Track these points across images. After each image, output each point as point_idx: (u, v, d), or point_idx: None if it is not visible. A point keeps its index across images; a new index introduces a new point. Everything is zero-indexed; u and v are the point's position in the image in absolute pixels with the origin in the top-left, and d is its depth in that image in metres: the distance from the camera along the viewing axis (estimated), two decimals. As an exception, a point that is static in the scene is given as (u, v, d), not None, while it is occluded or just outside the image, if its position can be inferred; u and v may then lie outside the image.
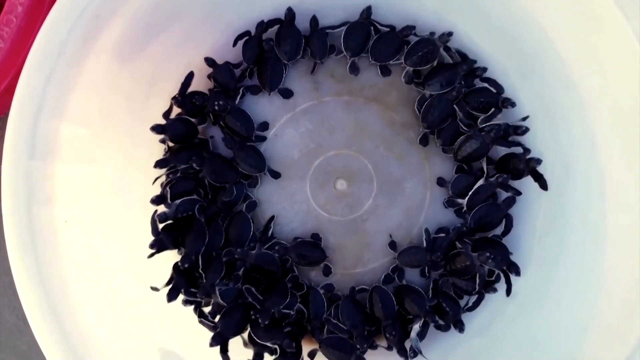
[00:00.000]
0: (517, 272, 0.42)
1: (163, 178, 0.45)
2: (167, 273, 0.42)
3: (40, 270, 0.39)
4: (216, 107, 0.44)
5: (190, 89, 0.45)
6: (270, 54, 0.46)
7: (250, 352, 0.41)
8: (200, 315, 0.42)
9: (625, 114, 0.40)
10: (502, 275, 0.43)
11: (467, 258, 0.42)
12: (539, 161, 0.43)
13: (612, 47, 0.40)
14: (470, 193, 0.44)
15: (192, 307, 0.42)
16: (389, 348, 0.43)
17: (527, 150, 0.43)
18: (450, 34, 0.44)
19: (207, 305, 0.43)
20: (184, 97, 0.44)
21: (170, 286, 0.41)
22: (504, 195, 0.45)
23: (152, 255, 0.41)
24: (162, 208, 0.43)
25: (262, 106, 0.47)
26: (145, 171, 0.44)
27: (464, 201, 0.45)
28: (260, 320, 0.40)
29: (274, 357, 0.41)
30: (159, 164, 0.43)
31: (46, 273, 0.40)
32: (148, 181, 0.45)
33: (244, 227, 0.44)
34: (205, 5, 0.44)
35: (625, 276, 0.40)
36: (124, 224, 0.44)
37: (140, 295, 0.43)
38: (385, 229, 0.47)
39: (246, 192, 0.46)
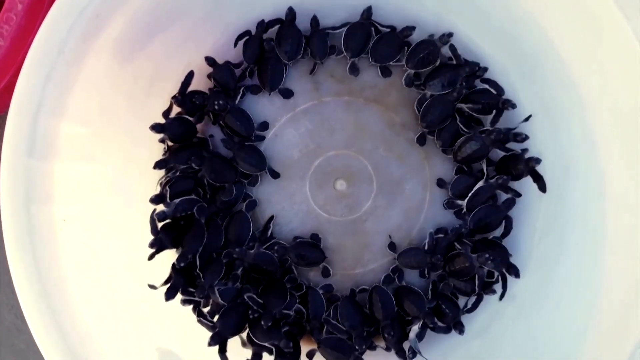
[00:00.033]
0: (517, 274, 0.42)
1: (163, 176, 0.45)
2: (166, 272, 0.42)
3: (39, 268, 0.39)
4: (216, 107, 0.44)
5: (190, 89, 0.45)
6: (270, 54, 0.46)
7: (249, 352, 0.41)
8: (199, 314, 0.42)
9: (625, 114, 0.40)
10: (500, 277, 0.43)
11: (467, 259, 0.42)
12: (538, 161, 0.43)
13: (612, 47, 0.40)
14: (470, 194, 0.44)
15: (191, 306, 0.42)
16: (388, 349, 0.43)
17: (524, 150, 0.43)
18: (450, 34, 0.44)
19: (206, 305, 0.42)
20: (184, 96, 0.44)
21: (168, 285, 0.41)
22: (503, 196, 0.45)
23: (152, 256, 0.41)
24: (161, 207, 0.43)
25: (262, 106, 0.47)
26: (144, 170, 0.44)
27: (463, 202, 0.45)
28: (262, 323, 0.40)
29: (272, 357, 0.41)
30: (158, 165, 0.43)
31: (44, 272, 0.39)
32: (147, 180, 0.45)
33: (244, 227, 0.44)
34: (206, 5, 0.44)
35: (624, 277, 0.40)
36: (123, 223, 0.44)
37: (138, 295, 0.43)
38: (385, 230, 0.46)
39: (246, 191, 0.46)
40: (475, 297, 0.44)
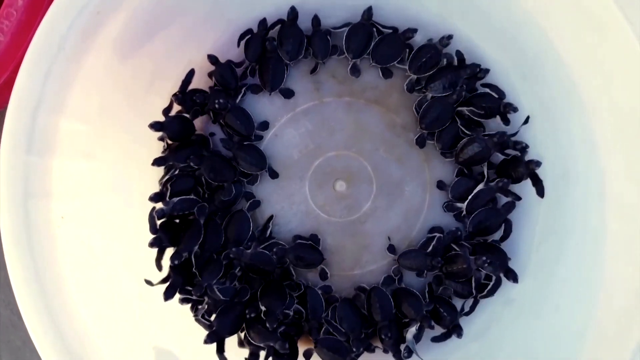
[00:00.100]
0: (515, 279, 0.42)
1: (163, 175, 0.45)
2: (164, 271, 0.42)
3: (36, 265, 0.39)
4: (216, 106, 0.44)
5: (190, 87, 0.45)
6: (272, 54, 0.46)
7: (246, 352, 0.41)
8: (197, 313, 0.42)
9: (625, 115, 0.40)
10: (494, 279, 0.43)
11: (465, 261, 0.42)
12: (538, 163, 0.43)
13: (612, 48, 0.40)
14: (469, 197, 0.44)
15: (189, 305, 0.42)
16: (385, 351, 0.43)
17: (524, 151, 0.43)
18: (450, 36, 0.44)
19: (201, 303, 0.42)
20: (184, 94, 0.44)
21: (167, 284, 0.41)
22: (503, 199, 0.45)
23: (159, 260, 0.41)
24: (160, 205, 0.43)
25: (263, 105, 0.47)
26: (143, 168, 0.44)
27: (463, 205, 0.44)
28: (268, 325, 0.40)
29: (270, 357, 0.41)
30: (157, 162, 0.43)
31: (42, 268, 0.39)
32: (146, 178, 0.44)
33: (244, 226, 0.44)
34: (207, 3, 0.44)
35: (624, 281, 0.40)
36: (121, 221, 0.44)
37: (136, 292, 0.43)
38: (384, 231, 0.46)
39: (245, 190, 0.46)
40: (472, 299, 0.44)
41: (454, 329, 0.42)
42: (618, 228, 0.41)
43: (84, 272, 0.41)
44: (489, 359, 0.43)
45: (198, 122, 0.47)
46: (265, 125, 0.47)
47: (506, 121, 0.44)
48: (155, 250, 0.41)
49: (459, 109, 0.45)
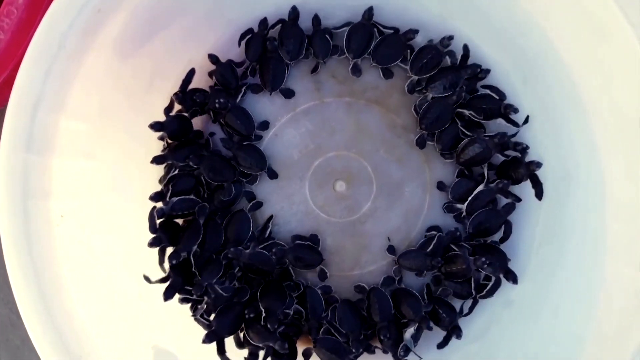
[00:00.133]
0: (515, 280, 0.42)
1: (163, 174, 0.44)
2: (166, 270, 0.41)
3: (35, 264, 0.39)
4: (217, 105, 0.44)
5: (191, 86, 0.45)
6: (272, 54, 0.46)
7: (245, 352, 0.41)
8: (196, 313, 0.42)
9: (626, 117, 0.40)
10: (494, 280, 0.43)
11: (464, 261, 0.42)
12: (539, 165, 0.43)
13: (613, 49, 0.39)
14: (470, 198, 0.44)
15: (189, 305, 0.42)
16: (385, 351, 0.42)
17: (524, 152, 0.43)
18: (451, 37, 0.44)
19: (200, 303, 0.42)
20: (184, 93, 0.44)
21: (167, 284, 0.40)
22: (504, 201, 0.45)
23: (161, 260, 0.40)
24: (160, 204, 0.43)
25: (263, 105, 0.47)
26: (143, 168, 0.44)
27: (463, 206, 0.44)
28: (269, 326, 0.40)
29: (269, 357, 0.41)
30: (156, 160, 0.43)
31: (41, 267, 0.39)
32: (146, 177, 0.44)
33: (243, 226, 0.44)
34: (207, 2, 0.44)
35: (624, 283, 0.40)
36: (120, 220, 0.44)
37: (135, 292, 0.43)
38: (384, 232, 0.46)
39: (245, 189, 0.46)
40: (471, 300, 0.44)
41: (453, 330, 0.42)
42: (618, 229, 0.41)
43: (83, 271, 0.41)
44: (488, 360, 0.43)
45: (199, 122, 0.47)
46: (265, 125, 0.47)
47: (510, 122, 0.44)
48: (154, 250, 0.41)
49: (460, 110, 0.45)
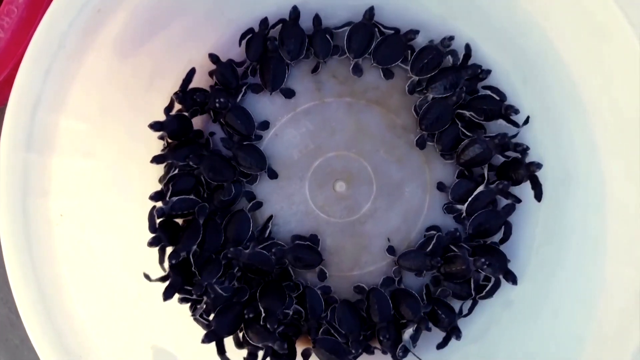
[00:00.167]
0: (514, 281, 0.42)
1: (162, 173, 0.44)
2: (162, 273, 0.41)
3: (34, 263, 0.39)
4: (217, 105, 0.44)
5: (191, 86, 0.45)
6: (273, 53, 0.45)
7: (244, 352, 0.41)
8: (195, 313, 0.42)
9: (626, 119, 0.40)
10: (493, 281, 0.43)
11: (464, 262, 0.42)
12: (539, 165, 0.43)
13: (614, 49, 0.39)
14: (470, 199, 0.44)
15: (189, 304, 0.42)
16: (384, 352, 0.42)
17: (525, 153, 0.43)
18: (451, 38, 0.44)
19: (199, 302, 0.42)
20: (185, 93, 0.44)
21: (166, 284, 0.40)
22: (503, 202, 0.45)
23: (162, 260, 0.40)
24: (160, 204, 0.42)
25: (263, 105, 0.47)
26: (143, 167, 0.44)
27: (463, 207, 0.44)
28: (269, 326, 0.40)
29: (268, 357, 0.41)
30: (155, 159, 0.43)
31: (40, 266, 0.39)
32: (145, 177, 0.44)
33: (243, 226, 0.44)
34: (207, 2, 0.44)
35: (625, 284, 0.39)
36: (120, 219, 0.43)
37: (134, 292, 0.43)
38: (384, 232, 0.46)
39: (247, 190, 0.46)
40: (470, 301, 0.44)
41: (452, 331, 0.42)
42: (618, 229, 0.41)
43: (82, 271, 0.41)
44: (488, 361, 0.43)
45: (199, 121, 0.47)
46: (265, 125, 0.47)
47: (511, 123, 0.44)
48: (154, 250, 0.40)
49: (460, 111, 0.45)
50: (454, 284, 0.44)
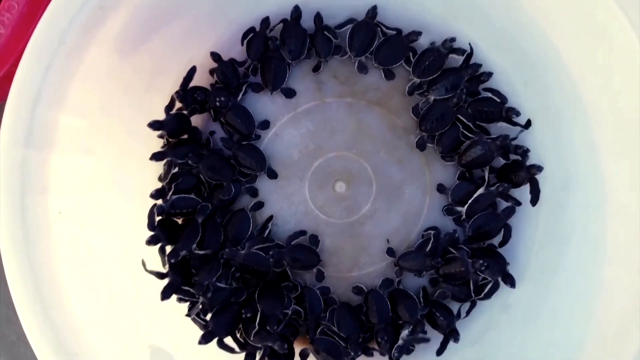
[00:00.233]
0: (512, 284, 0.42)
1: (162, 172, 0.44)
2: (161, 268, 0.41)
3: (32, 260, 0.39)
4: (217, 103, 0.44)
5: (191, 85, 0.44)
6: (274, 53, 0.45)
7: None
8: (191, 312, 0.42)
9: (627, 120, 0.40)
10: (492, 283, 0.43)
11: (462, 264, 0.42)
12: (540, 168, 0.43)
13: (615, 51, 0.39)
14: (470, 201, 0.44)
15: (188, 304, 0.42)
16: (382, 354, 0.42)
17: (525, 154, 0.43)
18: (453, 39, 0.44)
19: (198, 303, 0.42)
20: (185, 91, 0.44)
21: (165, 283, 0.40)
22: (503, 204, 0.45)
23: (164, 261, 0.40)
24: (160, 202, 0.42)
25: (264, 104, 0.47)
26: (142, 165, 0.44)
27: (463, 209, 0.44)
28: (268, 327, 0.40)
29: (266, 358, 0.41)
30: (155, 157, 0.43)
31: (37, 264, 0.39)
32: (145, 175, 0.44)
33: (243, 226, 0.44)
34: (209, 0, 0.43)
35: (624, 287, 0.39)
36: (119, 218, 0.43)
37: (132, 290, 0.42)
38: (383, 234, 0.46)
39: (251, 185, 0.46)
40: (469, 303, 0.44)
41: (450, 334, 0.42)
42: (618, 233, 0.41)
43: (80, 269, 0.41)
44: (485, 364, 0.43)
45: (199, 120, 0.47)
46: (266, 125, 0.46)
47: (512, 125, 0.44)
48: (152, 248, 0.40)
49: (461, 117, 0.45)
50: (452, 285, 0.44)
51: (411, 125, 0.47)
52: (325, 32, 0.45)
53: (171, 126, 0.43)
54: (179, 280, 0.40)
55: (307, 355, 0.42)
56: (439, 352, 0.42)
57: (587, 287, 0.41)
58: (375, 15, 0.45)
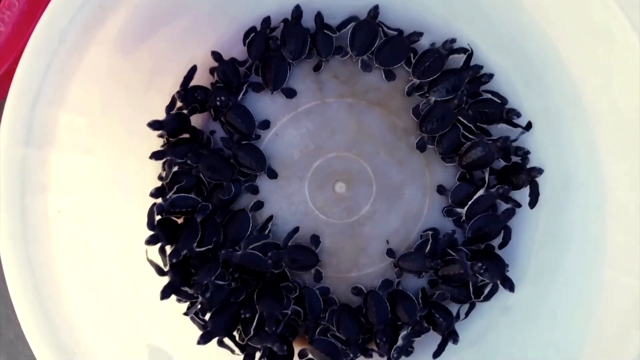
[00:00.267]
0: (511, 288, 0.42)
1: (164, 172, 0.44)
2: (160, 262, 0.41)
3: (31, 259, 0.39)
4: (218, 103, 0.44)
5: (192, 84, 0.44)
6: (275, 53, 0.45)
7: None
8: (189, 312, 0.41)
9: (628, 122, 0.40)
10: (491, 285, 0.43)
11: (462, 266, 0.42)
12: (540, 171, 0.43)
13: (616, 52, 0.39)
14: (470, 203, 0.44)
15: (187, 303, 0.42)
16: (381, 355, 0.42)
17: (525, 156, 0.43)
18: (453, 40, 0.44)
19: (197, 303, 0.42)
20: (186, 91, 0.44)
21: (165, 283, 0.40)
22: (504, 206, 0.45)
23: (165, 262, 0.40)
24: (160, 201, 0.42)
25: (264, 104, 0.47)
26: (142, 164, 0.44)
27: (463, 210, 0.44)
28: (267, 328, 0.40)
29: (265, 358, 0.41)
30: (154, 155, 0.43)
31: (36, 262, 0.39)
32: (144, 174, 0.44)
33: (243, 225, 0.44)
34: (210, 0, 0.43)
35: (623, 290, 0.39)
36: (118, 217, 0.43)
37: (131, 289, 0.42)
38: (383, 234, 0.46)
39: (252, 183, 0.46)
40: (468, 304, 0.44)
41: (449, 335, 0.42)
42: (618, 235, 0.40)
43: (79, 268, 0.41)
44: (485, 365, 0.43)
45: (200, 120, 0.47)
46: (266, 124, 0.46)
47: (514, 126, 0.44)
48: (152, 248, 0.40)
49: (462, 119, 0.44)
50: (451, 287, 0.44)
51: (411, 126, 0.47)
52: (326, 31, 0.45)
53: (171, 126, 0.43)
54: (179, 281, 0.40)
55: (306, 356, 0.42)
56: (436, 354, 0.42)
57: (586, 288, 0.41)
58: (377, 15, 0.45)
